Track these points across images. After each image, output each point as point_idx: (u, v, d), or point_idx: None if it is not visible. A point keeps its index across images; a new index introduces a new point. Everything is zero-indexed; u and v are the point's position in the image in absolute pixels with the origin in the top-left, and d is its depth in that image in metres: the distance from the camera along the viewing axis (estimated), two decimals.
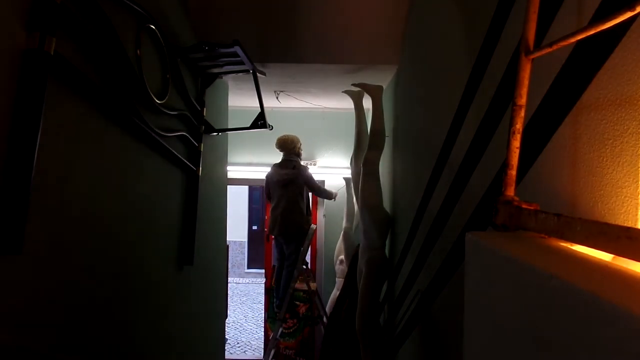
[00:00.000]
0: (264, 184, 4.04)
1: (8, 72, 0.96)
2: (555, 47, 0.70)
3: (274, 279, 4.32)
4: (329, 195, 4.02)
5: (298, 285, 4.00)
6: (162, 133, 1.81)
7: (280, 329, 4.00)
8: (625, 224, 0.64)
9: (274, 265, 4.49)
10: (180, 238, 2.20)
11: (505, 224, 0.77)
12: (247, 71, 2.49)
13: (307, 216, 3.96)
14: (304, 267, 4.03)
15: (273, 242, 4.06)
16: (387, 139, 2.76)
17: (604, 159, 0.72)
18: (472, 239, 0.77)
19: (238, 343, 5.85)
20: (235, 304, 7.75)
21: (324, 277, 4.53)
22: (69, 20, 1.15)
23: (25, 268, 1.03)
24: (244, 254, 9.76)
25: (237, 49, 2.07)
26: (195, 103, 2.30)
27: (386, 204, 2.80)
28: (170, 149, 1.92)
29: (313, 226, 4.09)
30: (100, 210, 1.39)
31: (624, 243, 0.49)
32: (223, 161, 3.15)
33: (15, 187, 0.95)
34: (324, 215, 4.53)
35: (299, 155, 3.90)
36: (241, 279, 9.54)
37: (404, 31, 2.53)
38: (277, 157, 3.97)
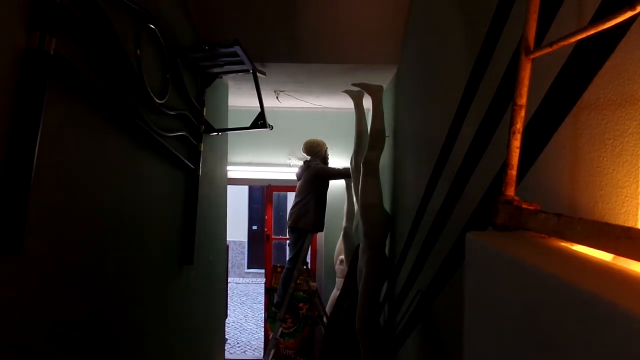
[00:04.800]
0: (266, 184, 4.05)
1: (8, 72, 0.96)
2: (555, 47, 0.70)
3: (274, 279, 4.32)
4: (347, 173, 3.65)
5: (298, 285, 4.00)
6: (162, 133, 1.81)
7: (280, 329, 4.00)
8: (625, 224, 0.64)
9: (274, 265, 4.49)
10: (180, 238, 2.20)
11: (506, 224, 0.77)
12: (247, 71, 2.49)
13: (317, 218, 3.82)
14: (304, 267, 4.03)
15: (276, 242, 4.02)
16: (387, 139, 2.76)
17: (604, 159, 0.72)
18: (472, 239, 0.77)
19: (238, 343, 5.85)
20: (235, 304, 7.74)
21: (324, 277, 4.53)
22: (69, 20, 1.15)
23: (25, 268, 1.03)
24: (244, 254, 9.76)
25: (237, 48, 2.07)
26: (195, 103, 2.30)
27: (386, 204, 2.80)
28: (170, 148, 1.92)
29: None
30: (100, 210, 1.39)
31: (624, 243, 0.49)
32: (223, 161, 3.15)
33: (15, 187, 0.95)
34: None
35: (321, 157, 3.85)
36: (241, 279, 9.54)
37: (404, 31, 2.53)
38: (276, 157, 3.97)
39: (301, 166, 3.94)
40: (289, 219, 3.88)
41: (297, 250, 3.84)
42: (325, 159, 3.88)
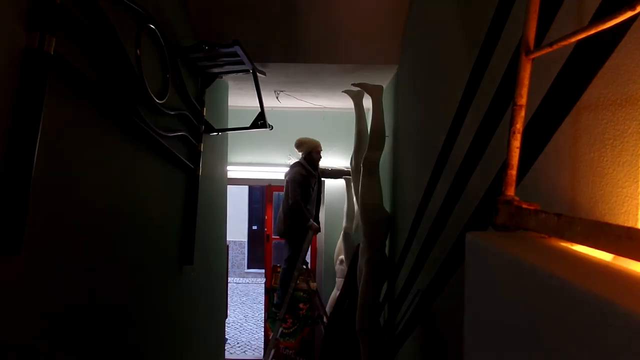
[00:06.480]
0: (266, 184, 4.05)
1: (8, 72, 0.96)
2: (555, 47, 0.70)
3: (274, 279, 4.32)
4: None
5: (298, 285, 4.00)
6: (162, 133, 1.81)
7: (280, 329, 4.00)
8: (625, 224, 0.64)
9: (274, 265, 4.49)
10: (180, 238, 2.20)
11: (506, 224, 0.77)
12: (247, 71, 2.48)
13: (299, 221, 3.79)
14: (304, 267, 4.03)
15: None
16: (387, 138, 2.76)
17: (604, 159, 0.72)
18: (472, 239, 0.77)
19: (238, 343, 5.85)
20: (235, 304, 7.74)
21: (324, 277, 4.53)
22: (69, 20, 1.15)
23: (25, 268, 1.03)
24: (244, 254, 9.76)
25: (237, 48, 2.07)
26: (195, 103, 2.30)
27: (386, 204, 2.80)
28: (170, 148, 1.92)
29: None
30: (100, 209, 1.39)
31: (624, 243, 0.49)
32: (223, 161, 3.15)
33: (15, 187, 0.95)
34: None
35: (306, 158, 3.86)
36: (241, 279, 9.54)
37: (404, 31, 2.53)
38: (276, 157, 3.97)
39: (289, 168, 3.95)
40: (275, 227, 3.93)
41: (293, 251, 3.86)
42: (311, 160, 3.86)
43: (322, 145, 4.44)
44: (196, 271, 2.43)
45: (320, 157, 3.93)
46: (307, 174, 3.80)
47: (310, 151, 3.85)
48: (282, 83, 3.30)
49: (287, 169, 3.97)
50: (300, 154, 3.89)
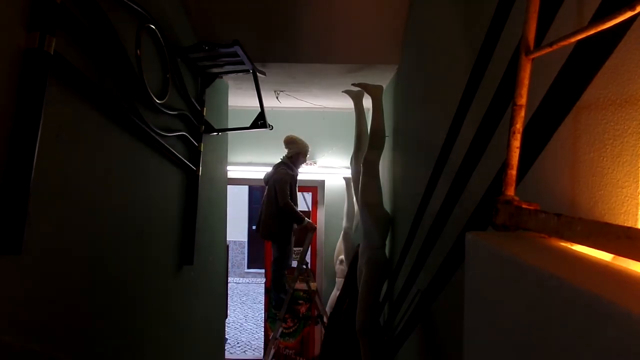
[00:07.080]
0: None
1: (8, 72, 0.96)
2: (555, 47, 0.70)
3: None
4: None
5: (298, 285, 4.00)
6: (162, 133, 1.81)
7: (280, 329, 4.00)
8: (625, 224, 0.64)
9: None
10: (180, 238, 2.20)
11: (505, 224, 0.77)
12: (247, 71, 2.48)
13: (285, 222, 3.77)
14: (304, 267, 4.04)
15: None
16: (387, 139, 2.76)
17: (604, 159, 0.72)
18: (472, 239, 0.77)
19: (238, 343, 5.85)
20: (235, 304, 7.75)
21: (324, 277, 4.53)
22: (69, 20, 1.15)
23: (25, 268, 1.03)
24: (244, 254, 9.76)
25: (237, 48, 2.07)
26: (195, 103, 2.30)
27: (386, 204, 2.80)
28: (170, 148, 1.92)
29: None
30: (100, 209, 1.39)
31: (624, 243, 0.49)
32: (223, 161, 3.15)
33: (15, 187, 0.95)
34: None
35: (290, 157, 3.83)
36: (241, 279, 9.55)
37: (404, 31, 2.53)
38: (276, 156, 3.96)
39: (273, 169, 3.89)
40: (261, 230, 3.87)
41: (282, 253, 3.86)
42: (297, 162, 3.84)
43: (322, 146, 4.45)
44: (196, 271, 2.43)
45: (305, 162, 3.95)
46: (293, 174, 3.80)
47: (300, 153, 3.83)
48: (282, 83, 3.30)
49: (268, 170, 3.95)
50: (287, 151, 3.85)
